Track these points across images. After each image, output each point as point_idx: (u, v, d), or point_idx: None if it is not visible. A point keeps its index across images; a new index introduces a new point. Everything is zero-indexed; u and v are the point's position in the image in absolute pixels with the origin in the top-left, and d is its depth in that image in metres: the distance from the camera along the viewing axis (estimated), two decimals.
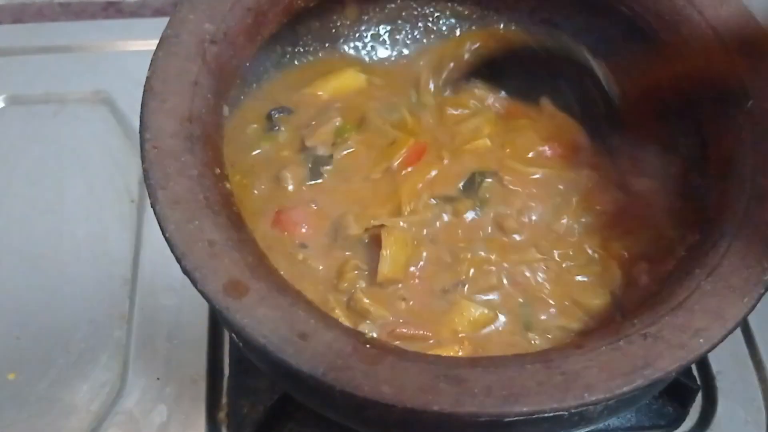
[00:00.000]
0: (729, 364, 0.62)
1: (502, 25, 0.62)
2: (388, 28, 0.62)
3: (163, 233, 0.42)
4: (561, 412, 0.38)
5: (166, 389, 0.60)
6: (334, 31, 0.61)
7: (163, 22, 0.88)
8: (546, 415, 0.38)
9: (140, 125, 0.45)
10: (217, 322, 0.63)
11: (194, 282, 0.41)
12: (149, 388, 0.60)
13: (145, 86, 0.47)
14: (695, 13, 0.53)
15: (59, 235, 0.67)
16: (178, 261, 0.41)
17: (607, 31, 0.59)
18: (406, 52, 0.62)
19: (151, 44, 0.79)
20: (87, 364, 0.61)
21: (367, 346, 0.40)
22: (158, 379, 0.60)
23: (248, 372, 0.59)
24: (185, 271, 0.41)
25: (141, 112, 0.46)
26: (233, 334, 0.49)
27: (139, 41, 0.81)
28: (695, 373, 0.61)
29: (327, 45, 0.61)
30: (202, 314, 0.63)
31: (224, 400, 0.60)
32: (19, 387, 0.60)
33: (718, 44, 0.51)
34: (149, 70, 0.47)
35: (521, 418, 0.38)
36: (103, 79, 0.77)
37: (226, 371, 0.61)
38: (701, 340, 0.40)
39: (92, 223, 0.68)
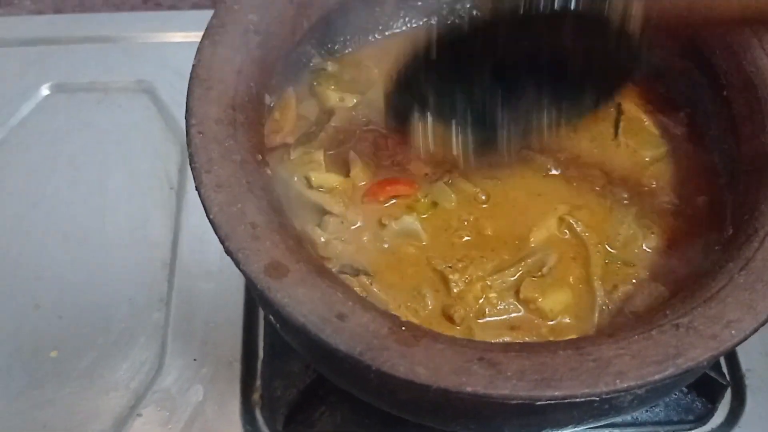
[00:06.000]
0: (759, 362, 0.62)
1: None
2: (422, 21, 0.63)
3: (207, 215, 0.43)
4: (593, 398, 0.39)
5: (202, 370, 0.62)
6: (370, 24, 0.61)
7: (200, 14, 0.90)
8: (577, 400, 0.39)
9: (186, 111, 0.47)
10: (252, 306, 0.64)
11: (237, 262, 0.42)
12: (186, 369, 0.62)
13: (191, 73, 0.48)
14: None
15: (101, 220, 0.70)
16: (222, 242, 0.43)
17: None
18: None
19: (190, 36, 0.82)
20: (126, 343, 0.63)
21: (403, 328, 0.41)
22: (195, 360, 0.62)
23: (282, 356, 0.60)
24: (228, 252, 0.42)
25: (187, 99, 0.47)
26: (271, 315, 0.50)
27: (178, 33, 0.83)
28: (724, 370, 0.61)
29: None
30: (238, 298, 0.65)
31: (258, 382, 0.61)
32: (61, 364, 0.63)
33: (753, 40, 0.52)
34: (195, 58, 0.49)
35: (553, 402, 0.39)
36: (144, 69, 0.79)
37: (261, 354, 0.62)
38: (733, 332, 0.40)
39: (133, 209, 0.70)
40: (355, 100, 0.58)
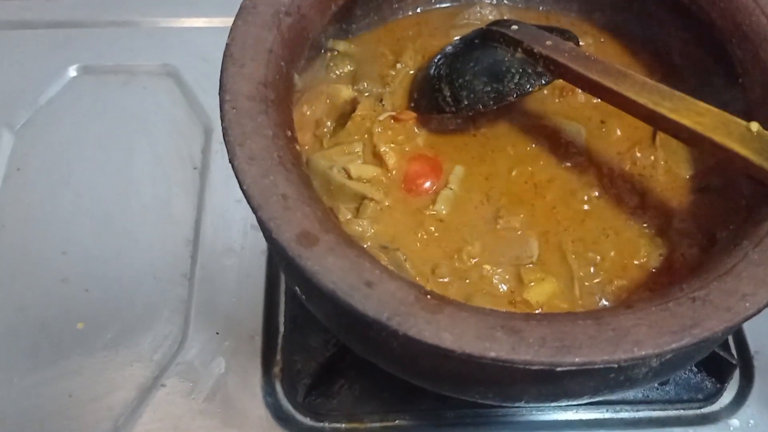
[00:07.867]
0: (767, 344, 0.64)
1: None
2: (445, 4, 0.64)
3: (240, 186, 0.45)
4: (611, 365, 0.40)
5: (224, 343, 0.63)
6: (396, 5, 0.63)
7: (221, 0, 0.90)
8: (596, 367, 0.41)
9: (220, 87, 0.48)
10: (273, 282, 0.66)
11: (269, 231, 0.44)
12: (209, 342, 0.64)
13: (225, 52, 0.50)
14: (750, 1, 0.55)
15: (127, 198, 0.72)
16: (255, 212, 0.44)
17: (657, 15, 0.61)
18: None
19: (214, 21, 0.84)
20: (151, 317, 0.65)
21: (428, 296, 0.43)
22: (217, 333, 0.64)
23: (302, 330, 0.62)
24: (260, 221, 0.44)
25: (221, 76, 0.49)
26: (297, 286, 0.52)
27: (201, 18, 0.85)
28: (733, 351, 0.63)
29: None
30: (260, 274, 0.67)
31: (279, 355, 0.63)
32: (87, 336, 0.64)
33: None
34: (229, 36, 0.50)
35: (572, 369, 0.41)
36: (169, 53, 0.81)
37: (282, 329, 0.64)
38: (747, 304, 0.42)
39: (158, 188, 0.72)
40: (372, 87, 0.60)
